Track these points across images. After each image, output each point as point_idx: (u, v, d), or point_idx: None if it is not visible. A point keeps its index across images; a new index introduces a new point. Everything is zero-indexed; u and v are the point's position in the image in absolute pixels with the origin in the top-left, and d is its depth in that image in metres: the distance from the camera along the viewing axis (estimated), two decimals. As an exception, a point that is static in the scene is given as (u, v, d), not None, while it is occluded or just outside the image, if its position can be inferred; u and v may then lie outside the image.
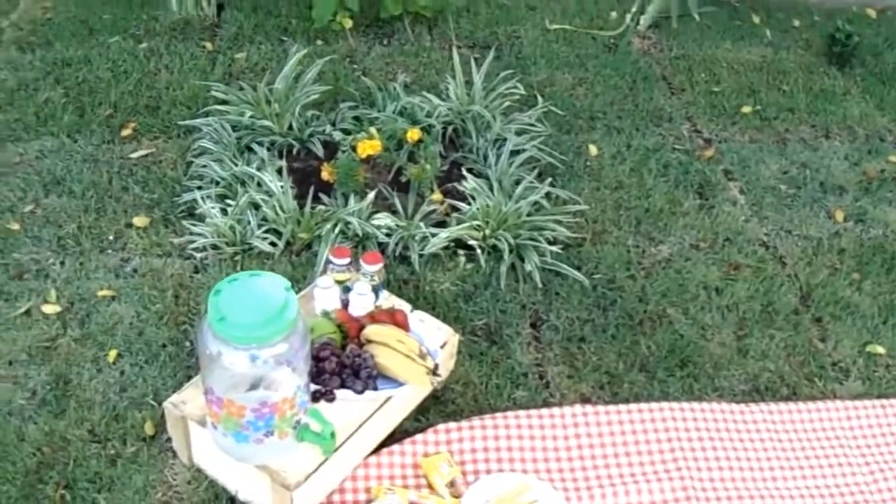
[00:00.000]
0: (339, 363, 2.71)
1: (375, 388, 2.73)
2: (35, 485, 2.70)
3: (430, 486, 2.76)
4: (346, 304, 2.96)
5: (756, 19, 5.35)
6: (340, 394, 2.70)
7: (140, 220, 3.59)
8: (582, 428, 3.00)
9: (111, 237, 3.53)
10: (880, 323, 3.50)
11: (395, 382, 2.77)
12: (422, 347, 2.78)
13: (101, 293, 3.28)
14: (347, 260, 2.97)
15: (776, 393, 3.21)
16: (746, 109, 4.58)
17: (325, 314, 2.89)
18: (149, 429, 2.84)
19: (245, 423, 2.45)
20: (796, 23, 5.37)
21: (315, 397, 2.67)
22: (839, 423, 3.16)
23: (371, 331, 2.80)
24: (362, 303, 2.92)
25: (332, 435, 2.56)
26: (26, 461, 2.75)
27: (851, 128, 4.55)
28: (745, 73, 4.85)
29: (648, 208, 3.88)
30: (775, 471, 2.98)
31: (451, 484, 2.76)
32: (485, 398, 3.05)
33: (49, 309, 3.22)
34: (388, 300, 3.06)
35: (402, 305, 3.05)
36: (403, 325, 2.87)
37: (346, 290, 2.97)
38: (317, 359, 2.70)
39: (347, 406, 2.69)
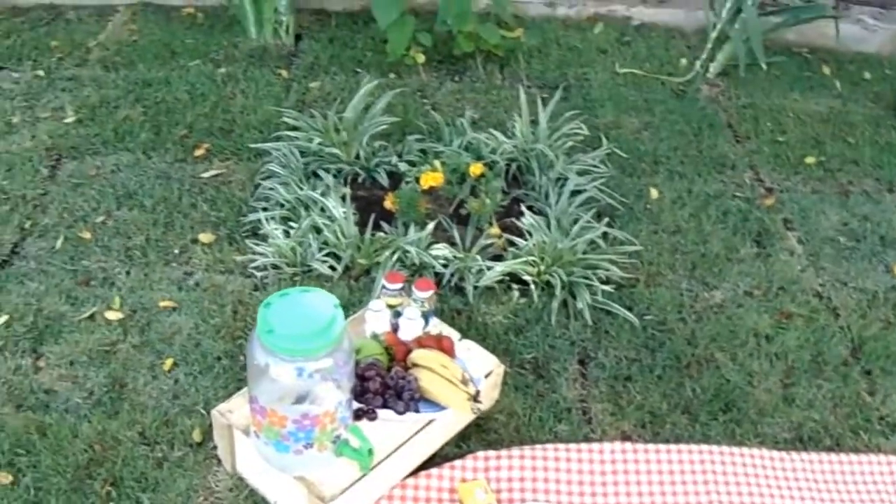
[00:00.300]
0: (383, 384, 2.81)
1: (417, 411, 2.82)
2: (84, 479, 2.83)
3: (464, 511, 2.82)
4: (395, 329, 3.06)
5: (826, 70, 5.39)
6: (382, 413, 2.79)
7: (206, 237, 3.73)
8: (620, 465, 3.04)
9: (177, 251, 3.68)
10: None
11: (436, 406, 2.86)
12: (465, 374, 2.86)
13: (162, 304, 3.43)
14: (400, 285, 3.08)
15: (819, 443, 3.21)
16: (810, 160, 4.60)
17: (374, 336, 3.00)
18: (197, 436, 2.96)
19: (286, 434, 2.56)
20: (867, 75, 5.41)
21: (357, 415, 2.76)
22: (881, 477, 3.14)
23: (416, 355, 2.90)
24: (411, 328, 3.02)
25: (370, 452, 2.65)
26: (78, 456, 2.89)
27: (916, 182, 4.54)
28: (812, 124, 4.88)
29: (705, 253, 3.93)
30: None
31: (486, 510, 2.80)
32: (527, 430, 3.12)
33: (112, 315, 3.38)
34: (438, 327, 3.15)
35: (451, 333, 3.15)
36: (449, 351, 2.96)
37: (397, 314, 3.07)
38: (361, 378, 2.80)
39: (389, 426, 2.78)
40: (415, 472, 2.91)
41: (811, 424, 3.27)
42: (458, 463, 2.95)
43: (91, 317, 3.38)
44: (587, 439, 3.11)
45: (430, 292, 3.06)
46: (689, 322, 3.61)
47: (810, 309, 3.73)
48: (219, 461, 2.89)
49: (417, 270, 3.57)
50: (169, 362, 3.21)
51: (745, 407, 3.29)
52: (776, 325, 3.64)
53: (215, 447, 2.91)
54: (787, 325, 3.65)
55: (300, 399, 2.53)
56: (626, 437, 3.14)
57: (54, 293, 3.47)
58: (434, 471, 2.92)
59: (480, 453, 2.98)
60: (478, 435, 3.07)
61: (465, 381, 2.85)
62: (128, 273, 3.57)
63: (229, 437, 2.78)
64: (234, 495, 2.81)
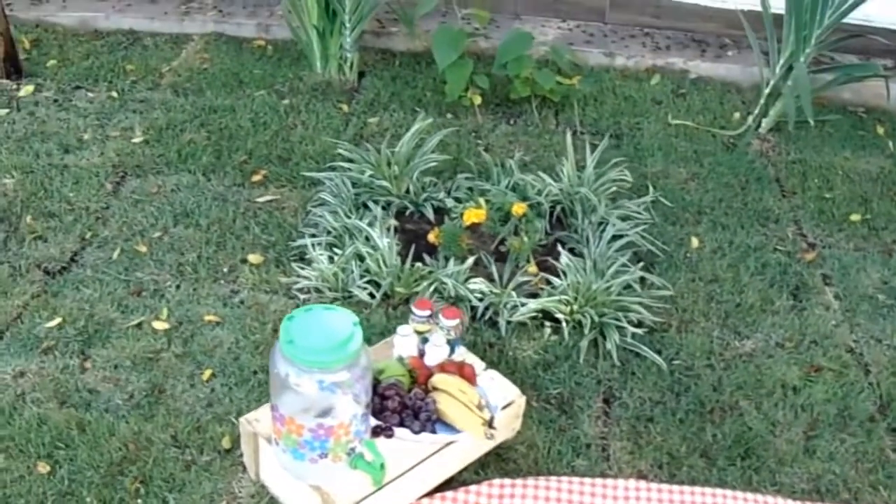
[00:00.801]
0: (402, 403, 2.97)
1: (433, 432, 2.97)
2: (116, 475, 3.03)
3: (475, 535, 2.95)
4: (422, 354, 3.21)
5: (880, 130, 5.43)
6: (399, 432, 2.94)
7: (254, 258, 3.94)
8: (632, 502, 3.13)
9: (226, 269, 3.89)
10: None
11: (453, 430, 3.00)
12: (481, 400, 3.01)
13: (207, 318, 3.64)
14: (428, 312, 3.23)
15: (836, 496, 3.25)
16: (855, 217, 4.66)
17: (400, 359, 3.16)
18: (226, 443, 3.15)
19: (302, 442, 2.73)
20: (919, 135, 5.46)
21: (375, 432, 2.92)
22: None
23: (437, 378, 3.05)
24: (436, 353, 3.18)
25: (382, 466, 2.81)
26: (112, 453, 3.09)
27: (963, 245, 4.57)
28: (860, 183, 4.93)
29: (740, 303, 4.01)
30: None
31: (495, 534, 2.94)
32: (545, 462, 3.24)
33: (159, 325, 3.60)
34: (464, 356, 3.30)
35: (477, 363, 3.29)
36: (470, 378, 3.11)
37: (425, 340, 3.23)
38: (382, 396, 2.97)
39: (406, 445, 2.93)
40: (430, 494, 3.04)
41: (830, 477, 3.31)
42: (473, 488, 3.08)
43: (139, 325, 3.61)
44: (603, 475, 3.21)
45: (457, 321, 3.20)
46: (716, 369, 3.69)
47: (841, 364, 3.78)
48: (244, 468, 3.07)
49: (454, 302, 3.71)
50: (208, 373, 3.41)
51: (764, 455, 3.36)
52: (804, 378, 3.69)
53: (242, 455, 3.08)
54: (816, 378, 3.70)
55: (321, 413, 2.69)
56: (642, 476, 3.23)
57: (107, 300, 3.70)
58: (449, 493, 3.05)
59: (496, 481, 3.11)
60: (497, 464, 3.19)
61: (480, 407, 2.99)
62: (178, 287, 3.79)
63: (254, 444, 2.95)
64: (255, 501, 2.98)
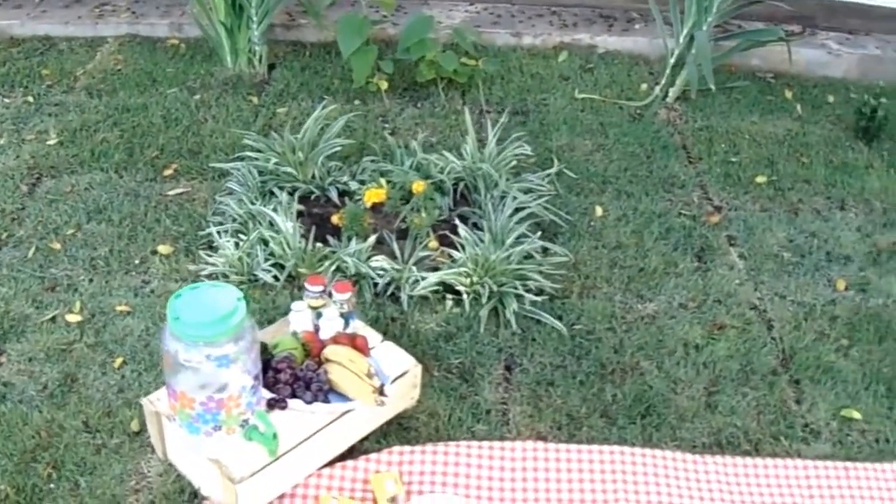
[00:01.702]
0: (293, 375, 3.10)
1: (326, 401, 3.09)
2: (29, 462, 3.15)
3: (374, 502, 3.07)
4: (317, 329, 3.34)
5: (788, 94, 5.60)
6: (292, 403, 3.07)
7: (164, 249, 4.06)
8: (530, 462, 3.25)
9: (137, 261, 4.02)
10: (862, 389, 3.62)
11: (345, 399, 3.13)
12: (371, 368, 3.14)
13: (119, 308, 3.76)
14: (321, 288, 3.35)
15: (737, 448, 3.36)
16: (761, 179, 4.80)
17: (294, 334, 3.28)
18: (135, 426, 3.27)
19: (195, 416, 2.87)
20: (830, 98, 5.61)
21: (270, 404, 3.05)
22: (797, 481, 3.27)
23: (328, 350, 3.18)
24: (330, 327, 3.30)
25: (275, 436, 2.93)
26: (25, 442, 3.21)
27: (868, 200, 4.73)
28: (767, 145, 5.09)
29: (643, 268, 4.14)
30: None
31: (393, 500, 3.05)
32: (445, 429, 3.35)
33: (72, 318, 3.72)
34: (361, 329, 3.42)
35: (372, 335, 3.42)
36: (362, 349, 3.24)
37: (319, 315, 3.35)
38: (275, 370, 3.10)
39: (301, 416, 3.05)
40: (331, 464, 3.16)
41: (731, 430, 3.43)
42: (373, 456, 3.20)
43: (53, 319, 3.73)
44: (502, 439, 3.33)
45: (349, 294, 3.33)
46: (618, 332, 3.82)
47: (744, 321, 3.91)
48: (152, 449, 3.19)
49: (357, 280, 3.84)
50: (119, 360, 3.53)
51: (665, 413, 3.47)
52: (707, 336, 3.82)
53: (149, 436, 3.20)
54: (719, 335, 3.83)
55: (212, 388, 2.82)
56: (541, 438, 3.35)
57: (21, 297, 3.82)
58: (350, 462, 3.17)
59: (396, 448, 3.23)
60: (398, 433, 3.31)
61: (370, 375, 3.12)
62: (90, 280, 3.91)
63: (158, 424, 3.07)
64: (162, 480, 3.10)
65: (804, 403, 3.55)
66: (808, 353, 3.76)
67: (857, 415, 3.51)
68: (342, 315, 3.33)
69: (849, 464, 3.31)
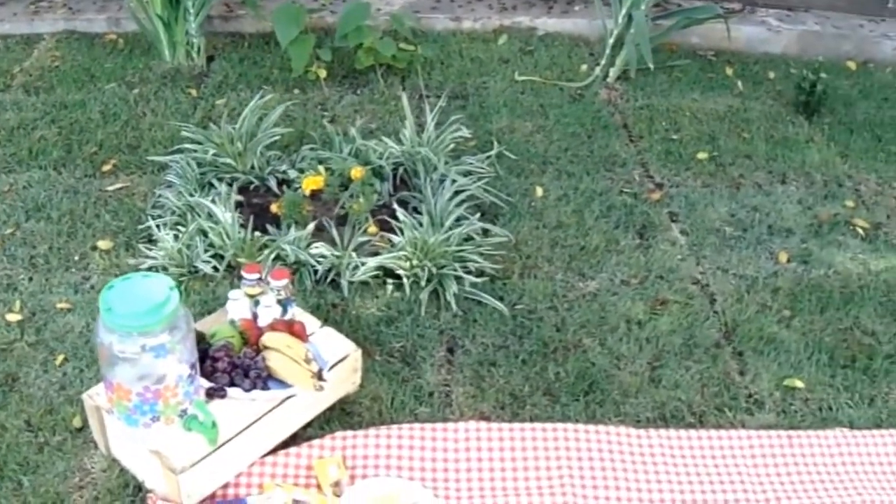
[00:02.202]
0: (231, 363, 3.11)
1: (265, 388, 3.11)
2: (-29, 464, 3.14)
3: (318, 487, 3.09)
4: (256, 317, 3.36)
5: (729, 71, 5.68)
6: (231, 392, 3.08)
7: (104, 244, 4.06)
8: (473, 442, 3.27)
9: (77, 258, 4.01)
10: (804, 358, 3.67)
11: (285, 385, 3.15)
12: (308, 353, 3.16)
13: (59, 305, 3.75)
14: (257, 275, 3.37)
15: (681, 421, 3.40)
16: (702, 156, 4.87)
17: (232, 322, 3.30)
18: (77, 422, 3.26)
19: (132, 408, 2.88)
20: (771, 75, 5.69)
21: (209, 394, 3.06)
22: (741, 451, 3.31)
23: (266, 337, 3.20)
24: (268, 314, 3.32)
25: (214, 425, 2.95)
26: (-34, 445, 3.20)
27: (809, 174, 4.80)
28: (708, 122, 5.15)
29: (584, 246, 4.18)
30: (664, 493, 3.15)
31: (336, 484, 3.08)
32: (388, 413, 3.38)
33: (12, 317, 3.71)
34: (301, 316, 3.44)
35: (311, 321, 3.43)
36: (300, 334, 3.26)
37: (258, 303, 3.37)
38: (213, 359, 3.11)
39: (242, 405, 3.07)
40: (274, 451, 3.17)
41: (675, 404, 3.47)
42: (316, 442, 3.22)
43: (-8, 319, 3.70)
44: (445, 420, 3.36)
45: (285, 281, 3.35)
46: (560, 310, 3.85)
47: (686, 295, 3.96)
48: (95, 445, 3.19)
49: (298, 268, 3.86)
50: (60, 358, 3.52)
51: (608, 388, 3.51)
52: (649, 312, 3.86)
53: (92, 432, 3.20)
54: (661, 311, 3.87)
55: (148, 378, 2.83)
56: (484, 418, 3.38)
57: (-39, 298, 3.79)
58: (293, 449, 3.19)
59: (339, 433, 3.25)
60: (341, 418, 3.34)
61: (308, 360, 3.14)
62: (30, 279, 3.90)
63: (100, 419, 3.07)
64: (106, 475, 3.10)
65: (747, 375, 3.61)
66: (750, 325, 3.81)
67: (799, 384, 3.56)
68: (280, 302, 3.34)
69: (792, 432, 3.35)
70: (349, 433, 3.25)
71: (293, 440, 3.21)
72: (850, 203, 4.60)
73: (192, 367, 2.94)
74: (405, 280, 3.87)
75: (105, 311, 2.77)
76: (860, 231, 4.42)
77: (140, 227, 4.16)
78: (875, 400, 3.53)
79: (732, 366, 3.65)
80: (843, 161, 4.94)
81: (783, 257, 4.20)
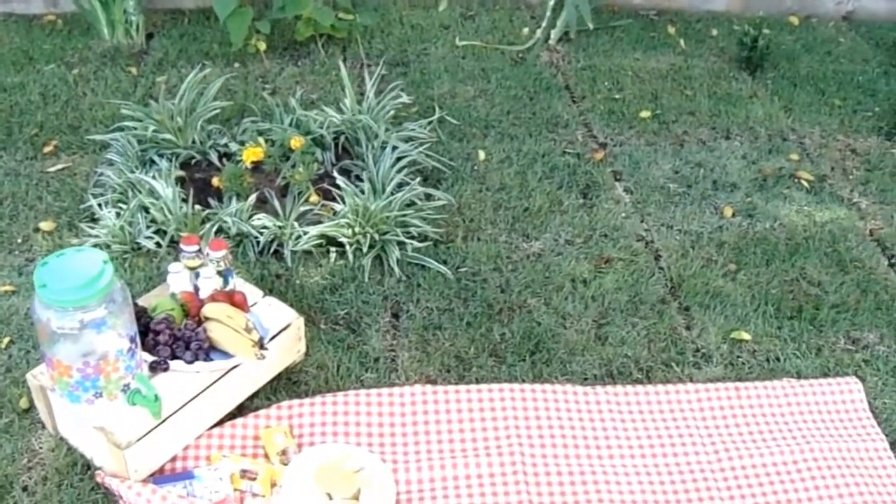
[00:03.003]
0: (172, 335, 3.13)
1: (208, 360, 3.13)
2: (-84, 453, 3.14)
3: (266, 457, 3.13)
4: (197, 289, 3.37)
5: (671, 30, 5.72)
6: (173, 364, 3.10)
7: (47, 225, 4.05)
8: (419, 405, 3.32)
9: (19, 240, 4.00)
10: (751, 311, 3.74)
11: (227, 356, 3.17)
12: (249, 322, 3.18)
13: (3, 288, 3.74)
14: (196, 247, 3.37)
15: (628, 377, 3.47)
16: (645, 114, 4.91)
17: (173, 296, 3.31)
18: (23, 403, 3.27)
19: (74, 384, 2.89)
20: (714, 32, 5.75)
21: (152, 367, 3.08)
22: (689, 404, 3.37)
23: (207, 308, 3.21)
24: (208, 285, 3.34)
25: (157, 398, 2.96)
26: (-89, 433, 3.20)
27: (753, 128, 4.86)
28: (650, 81, 5.19)
29: (528, 207, 4.22)
30: (612, 449, 3.21)
31: (283, 453, 3.11)
32: (335, 380, 3.41)
33: (-45, 302, 3.68)
34: (243, 287, 3.46)
35: (252, 291, 3.45)
36: (240, 304, 3.28)
37: (198, 275, 3.39)
38: (154, 332, 3.12)
39: (186, 377, 3.09)
40: (221, 423, 3.20)
41: (622, 360, 3.53)
42: (262, 412, 3.25)
43: (-64, 304, 3.68)
44: (392, 385, 3.40)
45: (224, 251, 3.36)
46: (504, 272, 3.89)
47: (631, 253, 4.01)
48: (43, 425, 3.20)
49: (240, 240, 3.88)
50: (5, 340, 3.52)
51: (555, 348, 3.56)
52: (594, 270, 3.91)
53: (38, 412, 3.21)
54: (606, 269, 3.92)
55: (89, 354, 2.84)
56: (430, 381, 3.42)
57: None
58: (239, 420, 3.22)
59: (285, 402, 3.28)
60: (288, 387, 3.37)
61: (249, 329, 3.16)
62: (-28, 264, 3.88)
63: (45, 398, 3.08)
64: (54, 455, 3.11)
65: (694, 329, 3.67)
66: (696, 280, 3.87)
67: (746, 336, 3.64)
68: (220, 273, 3.36)
69: (739, 384, 3.44)
70: (295, 402, 3.28)
71: (240, 411, 3.24)
72: (794, 156, 4.67)
73: (132, 340, 2.95)
74: (348, 248, 3.89)
75: (40, 287, 2.78)
76: (805, 184, 4.48)
77: (82, 206, 4.15)
78: (822, 350, 3.62)
79: (679, 321, 3.70)
80: (787, 115, 5.02)
81: (728, 212, 4.26)
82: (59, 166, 4.42)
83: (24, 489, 3.01)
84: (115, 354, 2.88)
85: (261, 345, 3.17)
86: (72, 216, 4.11)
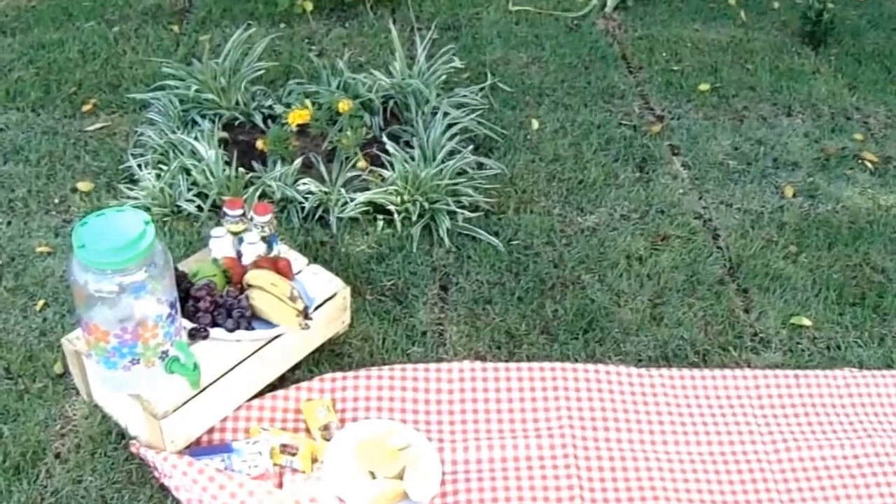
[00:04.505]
0: (213, 302, 3.00)
1: (250, 328, 3.00)
2: (-51, 412, 3.05)
3: (307, 431, 3.01)
4: (240, 255, 3.25)
5: (732, 1, 5.56)
6: (214, 332, 2.97)
7: (84, 185, 3.95)
8: (468, 383, 3.19)
9: (56, 200, 3.90)
10: (812, 296, 3.60)
11: (270, 325, 3.04)
12: (294, 290, 3.05)
13: (39, 249, 3.64)
14: (240, 211, 3.25)
15: (684, 360, 3.33)
16: (704, 87, 4.76)
17: (215, 261, 3.19)
18: (58, 368, 3.17)
19: (111, 350, 2.76)
20: (776, 4, 5.58)
21: (191, 335, 2.95)
22: (746, 391, 3.24)
23: (250, 275, 3.09)
24: (252, 251, 3.21)
25: (196, 367, 2.84)
26: (-55, 392, 3.11)
27: (816, 106, 4.71)
28: (710, 53, 5.04)
29: (582, 180, 4.09)
30: (666, 435, 3.09)
31: (325, 428, 2.99)
32: (380, 353, 3.29)
33: (-10, 263, 3.58)
34: (287, 253, 3.33)
35: (299, 257, 3.33)
36: (285, 272, 3.15)
37: (241, 241, 3.26)
38: (195, 298, 3.00)
39: (226, 346, 2.97)
40: (261, 394, 3.09)
41: (678, 342, 3.40)
42: (304, 384, 3.13)
43: (-31, 266, 3.59)
44: (439, 360, 3.27)
45: (269, 216, 3.23)
46: (557, 246, 3.77)
47: (689, 230, 3.88)
48: (77, 391, 3.10)
49: (285, 205, 3.75)
50: (41, 303, 3.42)
51: (608, 326, 3.43)
52: (650, 247, 3.78)
53: (73, 378, 3.11)
54: (663, 246, 3.79)
55: (127, 318, 2.72)
56: (479, 357, 3.30)
57: (-63, 245, 3.68)
58: (280, 392, 3.10)
59: (328, 375, 3.16)
60: (330, 359, 3.25)
61: (293, 298, 3.03)
62: (9, 223, 3.79)
63: (80, 364, 2.97)
64: (88, 422, 3.01)
65: (753, 312, 3.53)
66: (755, 262, 3.73)
67: (807, 322, 3.50)
68: (264, 239, 3.24)
69: (799, 372, 3.30)
70: (339, 375, 3.16)
71: (281, 383, 3.12)
72: (858, 136, 4.52)
73: (172, 306, 2.82)
74: (396, 216, 3.77)
75: (78, 248, 2.64)
76: (869, 165, 4.34)
77: (121, 167, 4.04)
78: (885, 339, 3.49)
79: (737, 303, 3.58)
80: (851, 93, 4.86)
81: (789, 192, 4.12)
82: (98, 125, 4.32)
83: (57, 456, 2.92)
84: (154, 320, 2.76)
85: (305, 314, 3.05)
86: (110, 177, 4.01)
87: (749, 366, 3.33)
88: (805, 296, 3.61)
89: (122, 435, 2.96)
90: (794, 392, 3.26)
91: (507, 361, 3.28)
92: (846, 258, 3.81)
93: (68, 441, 2.96)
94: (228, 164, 3.90)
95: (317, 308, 3.13)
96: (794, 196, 4.10)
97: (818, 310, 3.56)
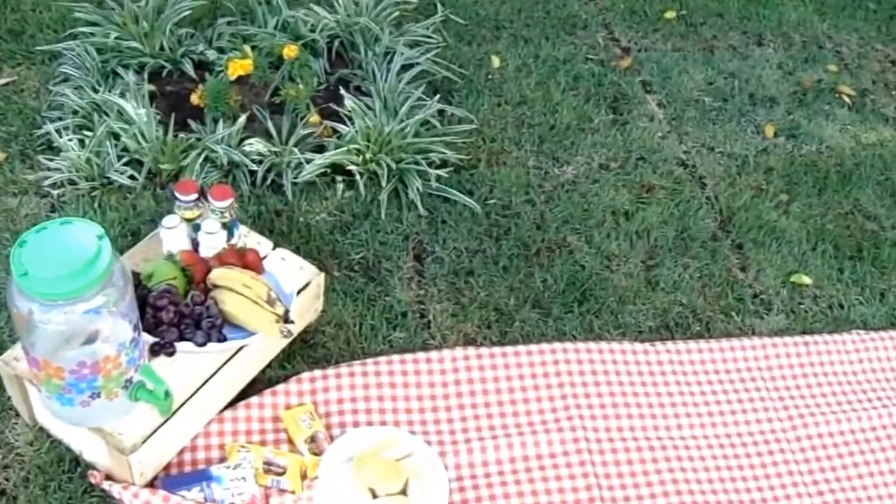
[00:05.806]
0: (178, 312, 2.57)
1: (222, 339, 2.59)
2: None
3: (290, 442, 2.66)
4: (196, 245, 2.81)
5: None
6: (181, 346, 2.56)
7: (-5, 155, 3.45)
8: (463, 373, 2.90)
9: (-37, 176, 3.39)
10: (808, 250, 3.46)
11: (244, 331, 2.64)
12: (271, 292, 2.64)
13: (-59, 238, 3.16)
14: (194, 195, 2.81)
15: (687, 329, 3.15)
16: (670, 15, 4.51)
17: (170, 257, 2.75)
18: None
19: (66, 386, 2.31)
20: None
21: (154, 350, 2.53)
22: (756, 362, 3.09)
23: (216, 275, 2.66)
24: (212, 242, 2.77)
25: (167, 394, 2.43)
26: None
27: (787, 34, 4.52)
28: (674, -25, 4.75)
29: (554, 125, 3.79)
30: (681, 417, 2.91)
31: (312, 439, 2.65)
32: (358, 341, 2.95)
33: None
34: (248, 237, 2.92)
35: (263, 242, 2.92)
36: (255, 266, 2.74)
37: (197, 228, 2.81)
38: (154, 308, 2.56)
39: (194, 359, 2.56)
40: (233, 403, 2.71)
41: (678, 309, 3.20)
42: (280, 388, 2.77)
43: None
44: (426, 346, 2.97)
45: (230, 200, 2.80)
46: (537, 204, 3.47)
47: (674, 179, 3.64)
48: (17, 413, 2.67)
49: (229, 171, 3.34)
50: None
51: (603, 295, 3.19)
52: (636, 201, 3.53)
53: (10, 398, 2.68)
54: (649, 199, 3.55)
55: (83, 352, 2.27)
56: (469, 341, 3.01)
57: None
58: (254, 399, 2.73)
59: (305, 374, 2.81)
60: (304, 352, 2.89)
61: (271, 301, 2.63)
62: None
63: (20, 387, 2.55)
64: (34, 450, 2.60)
65: (750, 270, 3.39)
66: (747, 213, 3.58)
67: (807, 280, 3.38)
68: (224, 226, 2.80)
69: (808, 338, 3.17)
70: (318, 373, 2.82)
71: (251, 386, 2.75)
72: (832, 67, 4.38)
73: (136, 328, 2.38)
74: (358, 178, 3.39)
75: (20, 276, 2.15)
76: (846, 99, 4.23)
77: (36, 132, 3.53)
78: (886, 295, 3.39)
79: (733, 261, 3.41)
80: (822, 19, 4.71)
81: (770, 131, 3.96)
82: (2, 81, 3.78)
83: (2, 493, 2.50)
84: (117, 349, 2.30)
85: (286, 318, 2.63)
86: (24, 144, 3.49)
87: (754, 332, 3.16)
88: (801, 250, 3.48)
89: (76, 462, 2.56)
90: (805, 361, 3.13)
91: (500, 344, 3.01)
92: (837, 206, 3.68)
93: (13, 474, 2.54)
94: (162, 123, 3.41)
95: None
96: (775, 135, 3.93)
97: (817, 265, 3.43)
